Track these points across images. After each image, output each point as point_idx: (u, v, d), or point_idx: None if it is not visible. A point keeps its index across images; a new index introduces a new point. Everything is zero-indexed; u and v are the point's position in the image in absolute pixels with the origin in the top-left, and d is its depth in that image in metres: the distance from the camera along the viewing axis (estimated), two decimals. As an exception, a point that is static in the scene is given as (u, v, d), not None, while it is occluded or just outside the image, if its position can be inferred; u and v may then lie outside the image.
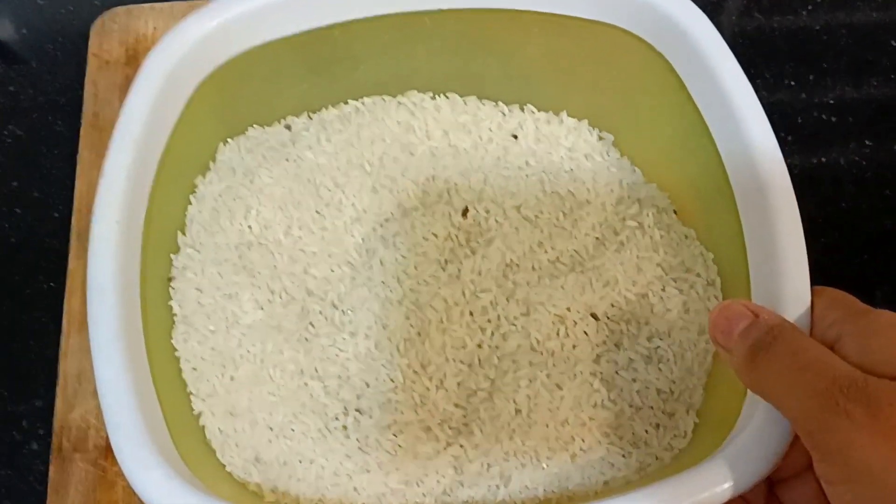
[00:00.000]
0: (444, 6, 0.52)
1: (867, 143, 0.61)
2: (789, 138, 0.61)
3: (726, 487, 0.38)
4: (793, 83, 0.63)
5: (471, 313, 0.48)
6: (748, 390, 0.42)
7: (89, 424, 0.51)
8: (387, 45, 0.54)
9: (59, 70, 0.63)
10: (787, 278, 0.42)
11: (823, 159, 0.61)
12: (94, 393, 0.43)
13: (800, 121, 0.62)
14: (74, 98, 0.60)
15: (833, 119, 0.62)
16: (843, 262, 0.58)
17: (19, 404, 0.52)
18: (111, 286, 0.43)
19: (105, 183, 0.45)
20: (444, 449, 0.45)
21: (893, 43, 0.65)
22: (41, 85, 0.62)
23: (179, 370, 0.47)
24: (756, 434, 0.40)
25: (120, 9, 0.62)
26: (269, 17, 0.51)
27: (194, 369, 0.47)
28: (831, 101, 0.63)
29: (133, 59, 0.60)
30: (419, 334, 0.48)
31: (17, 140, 0.60)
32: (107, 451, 0.50)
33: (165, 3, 0.62)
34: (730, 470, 0.38)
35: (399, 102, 0.55)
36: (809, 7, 0.66)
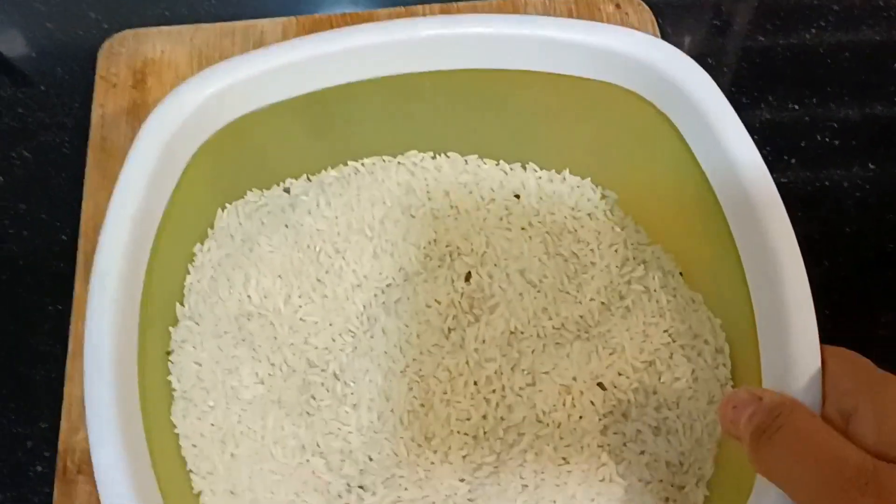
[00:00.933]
0: (443, 67, 0.52)
1: (870, 165, 0.61)
2: (792, 160, 0.60)
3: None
4: (796, 106, 0.63)
5: (475, 383, 0.47)
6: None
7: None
8: (385, 106, 0.53)
9: (67, 93, 0.63)
10: (796, 344, 0.41)
11: (826, 182, 0.60)
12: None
13: (803, 143, 0.62)
14: (82, 121, 0.60)
15: (836, 142, 0.62)
16: (845, 285, 0.57)
17: (25, 426, 0.52)
18: (108, 366, 0.42)
19: (101, 259, 0.44)
20: (451, 528, 0.45)
21: (896, 66, 0.65)
22: (49, 107, 0.62)
23: (179, 447, 0.46)
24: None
25: (128, 32, 0.62)
26: (265, 83, 0.50)
27: (194, 446, 0.46)
28: (834, 124, 0.62)
29: (140, 83, 0.60)
30: (422, 405, 0.47)
31: (25, 162, 0.60)
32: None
33: (173, 27, 0.62)
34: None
35: (399, 163, 0.54)
36: (813, 30, 0.66)
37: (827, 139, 0.62)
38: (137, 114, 0.59)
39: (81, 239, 0.55)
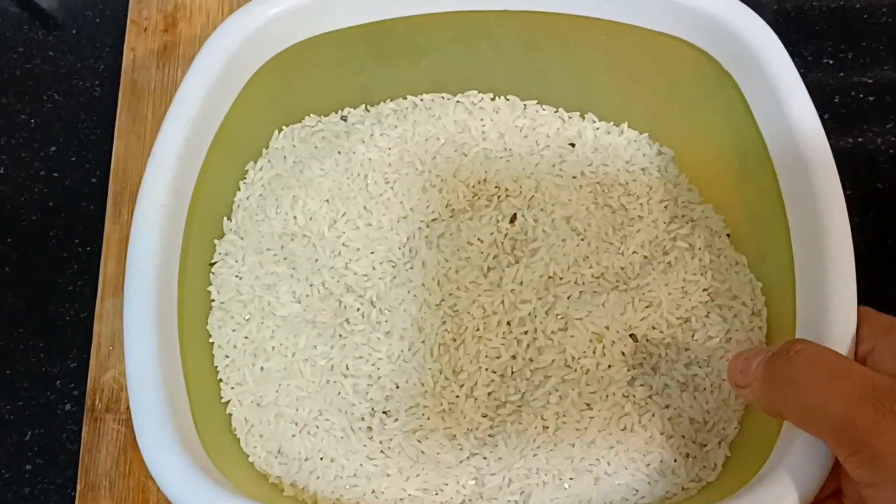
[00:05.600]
0: (511, 7, 0.52)
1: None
2: (826, 116, 0.58)
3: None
4: (831, 61, 0.61)
5: (508, 323, 0.48)
6: (783, 428, 0.41)
7: (122, 385, 0.51)
8: (450, 42, 0.53)
9: (98, 36, 0.63)
10: (833, 319, 0.41)
11: (860, 139, 0.59)
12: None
13: (837, 99, 0.60)
14: (113, 64, 0.61)
15: (871, 98, 0.60)
16: (877, 243, 0.56)
17: (54, 365, 0.53)
18: (150, 268, 0.43)
19: (153, 164, 0.45)
20: (468, 459, 0.45)
21: (935, 23, 0.63)
22: (80, 51, 0.62)
23: (212, 357, 0.47)
24: (788, 474, 0.38)
25: (159, -24, 0.62)
26: (333, 7, 0.51)
27: (227, 356, 0.47)
28: (869, 80, 0.61)
29: (172, 27, 0.60)
30: (454, 340, 0.47)
31: (56, 105, 0.61)
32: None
33: (205, -28, 0.62)
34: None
35: (458, 101, 0.54)
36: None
37: (861, 96, 0.60)
38: (168, 58, 0.60)
39: (112, 181, 0.56)
